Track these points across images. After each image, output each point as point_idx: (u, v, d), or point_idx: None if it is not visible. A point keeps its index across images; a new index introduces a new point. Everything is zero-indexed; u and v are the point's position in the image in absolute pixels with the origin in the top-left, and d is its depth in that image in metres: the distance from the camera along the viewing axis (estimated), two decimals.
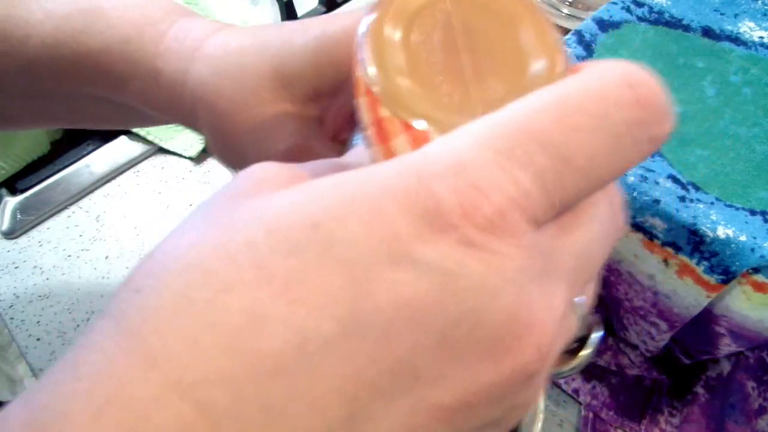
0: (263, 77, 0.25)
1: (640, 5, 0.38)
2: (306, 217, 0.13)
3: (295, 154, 0.26)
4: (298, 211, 0.13)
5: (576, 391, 0.39)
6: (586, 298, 0.17)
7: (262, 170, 0.15)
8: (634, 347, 0.38)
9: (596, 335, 0.18)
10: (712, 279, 0.30)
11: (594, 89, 0.14)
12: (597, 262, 0.16)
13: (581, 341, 0.18)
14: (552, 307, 0.14)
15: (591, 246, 0.15)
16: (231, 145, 0.27)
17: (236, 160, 0.28)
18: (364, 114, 0.16)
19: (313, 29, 0.25)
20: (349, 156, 0.18)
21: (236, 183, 0.15)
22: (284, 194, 0.14)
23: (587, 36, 0.37)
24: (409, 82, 0.16)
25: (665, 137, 0.15)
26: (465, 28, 0.17)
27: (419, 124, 0.15)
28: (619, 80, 0.14)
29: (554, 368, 0.16)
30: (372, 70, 0.16)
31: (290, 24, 0.26)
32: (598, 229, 0.16)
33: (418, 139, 0.15)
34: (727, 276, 0.29)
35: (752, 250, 0.28)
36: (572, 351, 0.19)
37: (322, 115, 0.27)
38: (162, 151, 0.58)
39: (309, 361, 0.12)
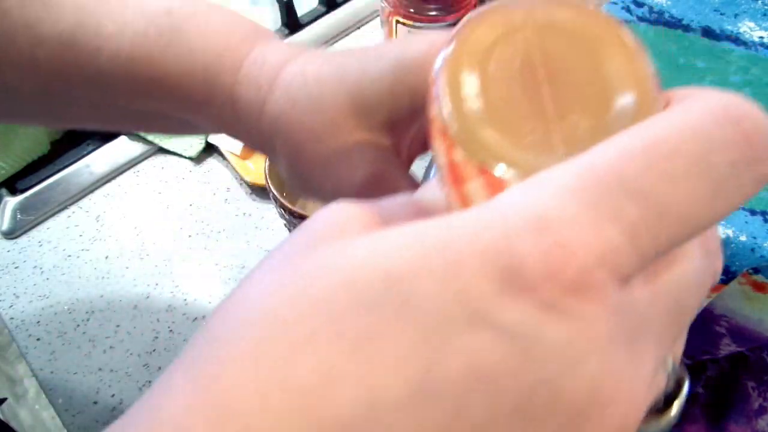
0: (341, 107, 0.25)
1: (640, 5, 0.38)
2: (383, 271, 0.12)
3: (371, 184, 0.25)
4: (376, 262, 0.13)
5: None
6: (675, 351, 0.16)
7: (340, 212, 0.15)
8: None
9: (685, 391, 0.17)
10: None
11: (692, 128, 0.13)
12: (690, 312, 0.15)
13: (668, 397, 0.17)
14: (640, 374, 0.13)
15: (684, 296, 0.14)
16: (308, 174, 0.27)
17: (313, 190, 0.28)
18: (439, 154, 0.15)
19: (388, 56, 0.24)
20: (425, 191, 0.17)
21: (314, 225, 0.15)
22: (363, 242, 0.13)
23: None
24: (485, 122, 0.15)
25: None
26: (546, 58, 0.16)
27: (495, 169, 0.15)
28: (721, 115, 0.13)
29: (639, 427, 0.14)
30: (446, 110, 0.15)
31: (367, 49, 0.25)
32: (692, 276, 0.14)
33: (494, 185, 0.14)
34: (727, 276, 0.29)
35: (752, 250, 0.28)
36: (658, 408, 0.17)
37: (398, 143, 0.26)
38: (162, 151, 0.58)
39: (377, 425, 0.12)
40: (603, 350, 0.12)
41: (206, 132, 0.32)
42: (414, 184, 0.26)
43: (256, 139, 0.28)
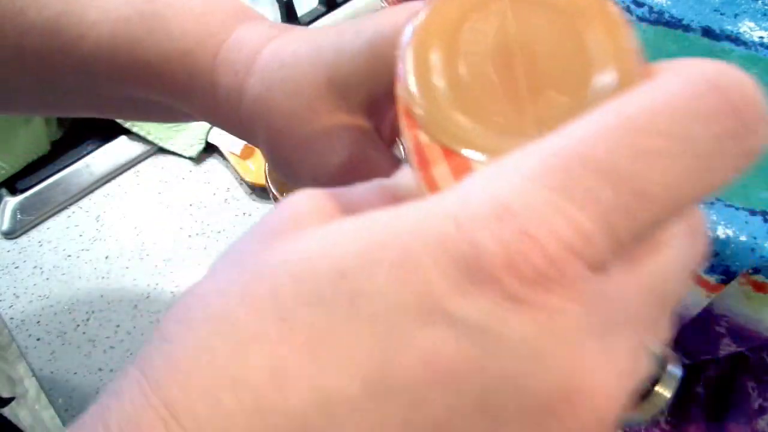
0: (318, 89, 0.24)
1: (640, 5, 0.38)
2: (333, 266, 0.12)
3: (352, 166, 0.25)
4: (326, 257, 0.12)
5: None
6: (660, 335, 0.15)
7: (299, 204, 0.14)
8: None
9: (673, 372, 0.16)
10: (712, 279, 0.30)
11: (671, 100, 0.12)
12: (674, 295, 0.14)
13: (655, 381, 0.16)
14: (614, 364, 0.12)
15: (666, 280, 0.13)
16: (288, 159, 0.26)
17: (294, 175, 0.27)
18: (405, 136, 0.14)
19: (365, 31, 0.23)
20: (400, 175, 0.17)
21: (273, 217, 0.14)
22: (314, 236, 0.13)
23: None
24: (451, 102, 0.14)
25: (765, 145, 0.12)
26: (522, 31, 0.14)
27: (461, 152, 0.14)
28: (703, 85, 0.12)
29: (625, 416, 0.13)
30: (411, 89, 0.14)
31: (345, 27, 0.24)
32: (674, 258, 0.13)
33: (461, 169, 0.14)
34: (727, 276, 0.29)
35: (752, 250, 0.28)
36: (646, 392, 0.16)
37: (380, 124, 0.25)
38: (162, 151, 0.58)
39: (332, 423, 0.11)
40: (572, 342, 0.11)
41: (195, 119, 0.31)
42: (397, 166, 0.25)
43: (237, 126, 0.28)
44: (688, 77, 0.12)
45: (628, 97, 0.12)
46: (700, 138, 0.11)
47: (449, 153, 0.14)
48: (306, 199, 0.14)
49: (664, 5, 0.38)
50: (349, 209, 0.15)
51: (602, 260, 0.11)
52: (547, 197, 0.11)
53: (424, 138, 0.14)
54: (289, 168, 0.27)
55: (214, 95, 0.27)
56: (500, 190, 0.11)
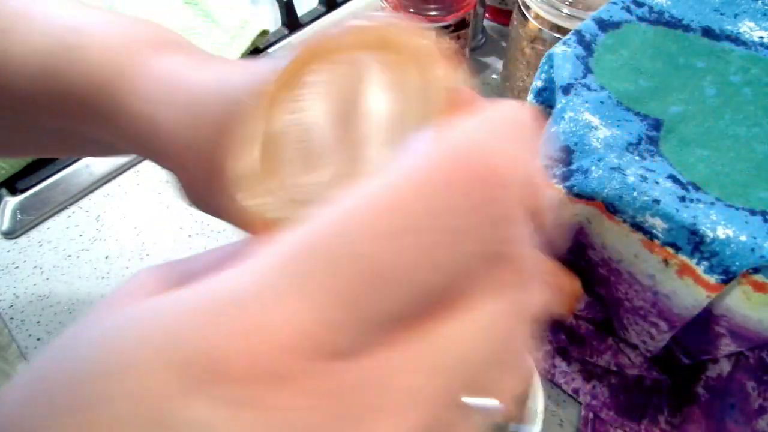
0: (224, 123, 0.24)
1: (640, 5, 0.38)
2: (81, 370, 0.11)
3: None
4: (80, 358, 0.12)
5: (576, 391, 0.39)
6: (495, 398, 0.14)
7: (134, 281, 0.14)
8: (634, 347, 0.38)
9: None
10: (712, 279, 0.30)
11: (412, 178, 0.11)
12: (497, 359, 0.13)
13: None
14: None
15: (461, 347, 0.12)
16: (194, 191, 0.27)
17: (201, 207, 0.28)
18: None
19: (261, 71, 0.23)
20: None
21: (123, 287, 0.14)
22: (86, 329, 0.12)
23: (587, 36, 0.37)
24: (262, 172, 0.14)
25: (543, 206, 0.12)
26: (347, 97, 0.15)
27: (264, 222, 0.14)
28: (450, 157, 0.11)
29: None
30: (235, 153, 0.15)
31: (254, 62, 0.24)
32: (481, 324, 0.12)
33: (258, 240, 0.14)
34: (727, 276, 0.29)
35: (752, 250, 0.28)
36: None
37: None
38: None
39: None
40: None
41: (126, 154, 0.32)
42: None
43: (154, 156, 0.28)
44: (437, 148, 0.11)
45: (380, 173, 0.12)
46: (440, 214, 0.11)
47: (253, 223, 0.14)
48: (148, 275, 0.14)
49: (664, 5, 0.38)
50: (189, 279, 0.14)
51: (345, 346, 0.11)
52: (281, 285, 0.11)
53: (240, 204, 0.14)
54: (197, 200, 0.27)
55: (135, 126, 0.27)
56: (240, 278, 0.11)
